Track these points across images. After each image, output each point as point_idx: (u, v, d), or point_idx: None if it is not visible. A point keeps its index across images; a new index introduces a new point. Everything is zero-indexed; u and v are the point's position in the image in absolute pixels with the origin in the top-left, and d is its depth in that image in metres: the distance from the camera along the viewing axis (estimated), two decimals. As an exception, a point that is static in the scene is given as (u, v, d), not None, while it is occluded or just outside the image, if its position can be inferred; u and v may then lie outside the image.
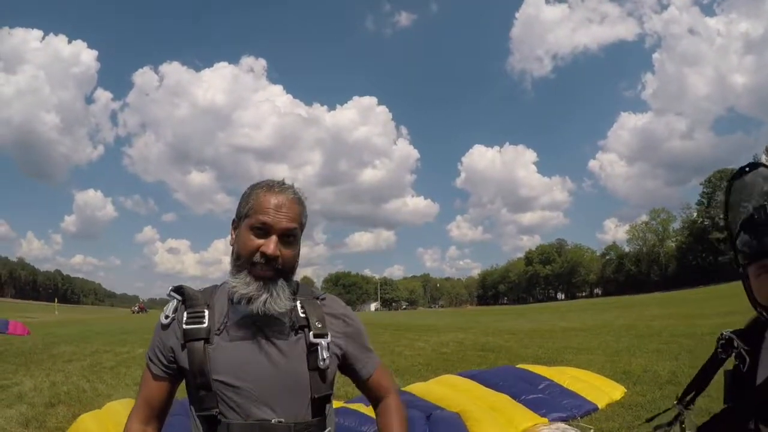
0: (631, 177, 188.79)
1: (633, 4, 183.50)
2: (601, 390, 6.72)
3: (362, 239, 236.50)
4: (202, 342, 1.57)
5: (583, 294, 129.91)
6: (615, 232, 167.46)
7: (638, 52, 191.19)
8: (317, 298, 1.75)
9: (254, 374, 1.56)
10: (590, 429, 5.44)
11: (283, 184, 1.66)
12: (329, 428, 1.68)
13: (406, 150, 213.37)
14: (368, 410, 5.29)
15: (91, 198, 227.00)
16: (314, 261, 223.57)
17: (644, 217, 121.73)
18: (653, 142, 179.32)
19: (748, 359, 1.39)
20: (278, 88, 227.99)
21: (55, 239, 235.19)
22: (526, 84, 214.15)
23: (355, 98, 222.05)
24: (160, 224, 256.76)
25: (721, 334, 1.49)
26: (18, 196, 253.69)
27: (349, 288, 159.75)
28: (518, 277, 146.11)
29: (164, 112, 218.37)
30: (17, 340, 19.46)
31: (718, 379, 1.55)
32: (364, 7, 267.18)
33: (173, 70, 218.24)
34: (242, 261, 1.58)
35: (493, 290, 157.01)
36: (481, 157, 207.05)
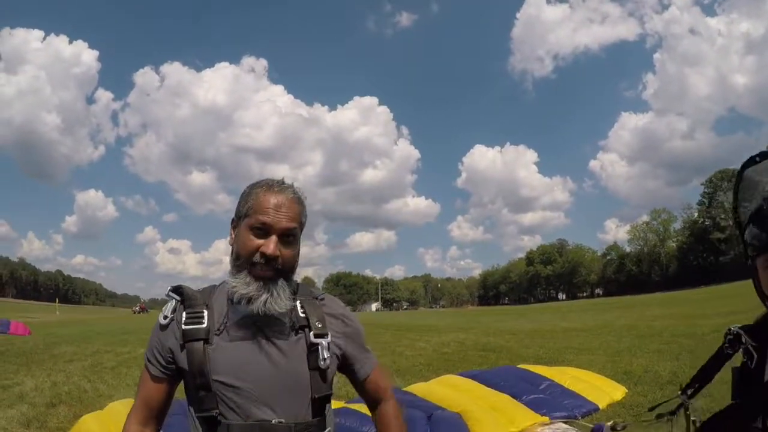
0: (632, 177, 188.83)
1: (634, 4, 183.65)
2: (602, 390, 6.71)
3: (363, 239, 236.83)
4: (202, 342, 1.56)
5: (584, 294, 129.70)
6: (616, 233, 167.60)
7: (639, 52, 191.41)
8: (316, 298, 1.75)
9: (254, 374, 1.55)
10: (590, 427, 5.43)
11: (283, 183, 1.66)
12: (329, 428, 1.67)
13: (406, 150, 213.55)
14: (369, 410, 5.29)
15: (92, 198, 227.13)
16: (315, 261, 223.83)
17: (645, 218, 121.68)
18: (654, 143, 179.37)
19: (756, 356, 1.37)
20: (279, 89, 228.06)
21: (56, 239, 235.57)
22: (527, 84, 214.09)
23: (356, 98, 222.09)
24: (161, 224, 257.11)
25: (729, 330, 1.47)
26: (19, 196, 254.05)
27: (350, 288, 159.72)
28: (519, 278, 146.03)
29: (165, 112, 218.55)
30: (18, 341, 19.48)
31: (723, 377, 1.54)
32: (365, 7, 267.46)
33: (174, 70, 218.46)
34: (242, 261, 1.58)
35: (494, 290, 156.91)
36: (482, 157, 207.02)
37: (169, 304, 1.65)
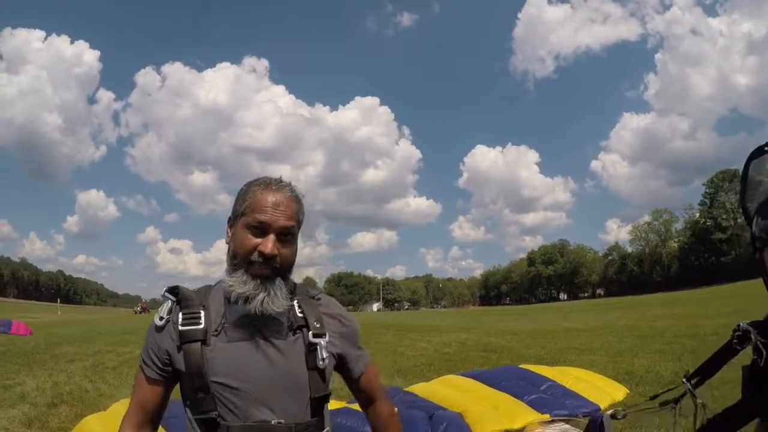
0: (634, 177, 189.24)
1: (635, 5, 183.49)
2: (604, 391, 6.70)
3: (364, 239, 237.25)
4: (199, 343, 1.54)
5: (586, 294, 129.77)
6: (617, 233, 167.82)
7: (641, 52, 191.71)
8: (313, 298, 1.74)
9: (253, 375, 1.53)
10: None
11: (281, 181, 1.65)
12: (327, 428, 1.66)
13: (408, 150, 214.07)
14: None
15: (93, 198, 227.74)
16: (316, 261, 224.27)
17: (647, 218, 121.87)
18: (656, 143, 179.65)
19: (765, 352, 1.36)
20: (280, 89, 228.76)
21: (58, 239, 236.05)
22: (528, 84, 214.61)
23: (357, 98, 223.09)
24: (162, 224, 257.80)
25: (738, 326, 1.46)
26: (20, 196, 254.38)
27: (352, 288, 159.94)
28: (521, 278, 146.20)
29: (166, 112, 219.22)
30: (20, 341, 19.49)
31: (724, 377, 1.54)
32: (366, 7, 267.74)
33: (175, 70, 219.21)
34: (239, 260, 1.56)
35: (495, 291, 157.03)
36: (484, 158, 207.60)
37: (165, 305, 1.63)
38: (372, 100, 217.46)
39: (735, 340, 1.46)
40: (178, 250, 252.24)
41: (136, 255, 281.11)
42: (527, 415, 5.49)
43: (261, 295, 1.52)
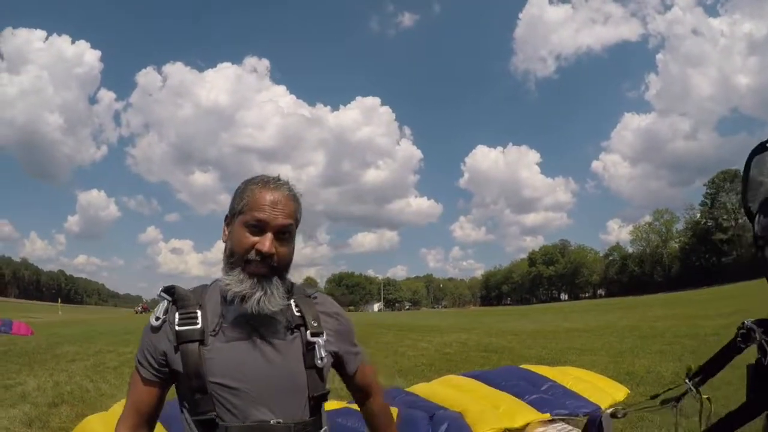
0: (635, 178, 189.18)
1: (636, 5, 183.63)
2: (604, 391, 6.69)
3: (365, 240, 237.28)
4: (197, 344, 1.53)
5: (587, 295, 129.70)
6: (618, 233, 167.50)
7: (642, 52, 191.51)
8: (309, 297, 1.73)
9: (252, 375, 1.53)
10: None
11: (279, 180, 1.64)
12: (324, 427, 1.66)
13: (409, 150, 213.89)
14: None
15: (94, 198, 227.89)
16: (317, 261, 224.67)
17: (647, 218, 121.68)
18: (656, 143, 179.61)
19: None
20: (281, 89, 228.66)
21: (59, 239, 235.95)
22: (529, 84, 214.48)
23: (358, 98, 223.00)
24: (163, 224, 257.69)
25: (743, 324, 1.46)
26: (21, 196, 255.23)
27: (353, 288, 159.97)
28: (521, 278, 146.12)
29: (167, 112, 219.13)
30: (21, 340, 19.49)
31: (725, 377, 1.53)
32: (368, 7, 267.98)
33: (176, 70, 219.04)
34: (236, 258, 1.55)
35: (496, 291, 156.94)
36: (485, 158, 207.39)
37: (161, 305, 1.62)
38: (373, 100, 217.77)
39: (739, 338, 1.45)
40: (179, 250, 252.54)
41: (137, 255, 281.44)
42: (528, 414, 5.48)
43: (258, 294, 1.52)
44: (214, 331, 1.56)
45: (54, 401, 7.98)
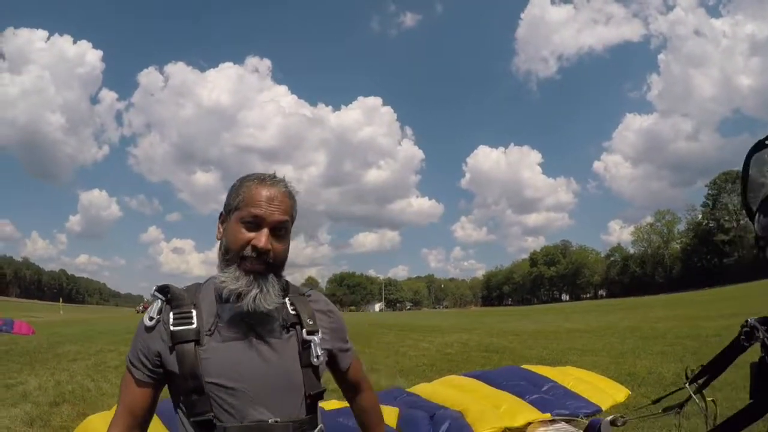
0: (636, 178, 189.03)
1: (638, 5, 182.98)
2: (605, 392, 6.69)
3: (367, 240, 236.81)
4: (193, 344, 1.51)
5: (588, 295, 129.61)
6: (620, 234, 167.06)
7: (643, 53, 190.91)
8: (303, 295, 1.73)
9: (249, 374, 1.51)
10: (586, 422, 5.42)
11: (275, 177, 1.63)
12: (320, 425, 1.65)
13: (410, 150, 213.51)
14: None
15: (95, 198, 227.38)
16: (319, 261, 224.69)
17: (649, 219, 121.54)
18: (658, 144, 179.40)
19: None
20: (283, 89, 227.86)
21: (60, 239, 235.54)
22: (531, 85, 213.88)
23: (360, 99, 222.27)
24: (164, 224, 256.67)
25: (746, 322, 1.45)
26: (23, 196, 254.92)
27: (354, 288, 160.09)
28: (523, 278, 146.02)
29: (169, 112, 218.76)
30: (22, 340, 19.49)
31: (727, 378, 1.52)
32: (369, 7, 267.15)
33: (178, 70, 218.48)
34: (232, 255, 1.54)
35: (497, 291, 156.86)
36: (486, 158, 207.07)
37: (155, 304, 1.59)
38: (374, 101, 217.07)
39: (743, 336, 1.44)
40: (181, 250, 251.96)
41: (138, 254, 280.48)
42: (529, 413, 5.49)
43: (254, 292, 1.51)
44: (209, 330, 1.54)
45: (55, 400, 7.98)
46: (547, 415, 5.52)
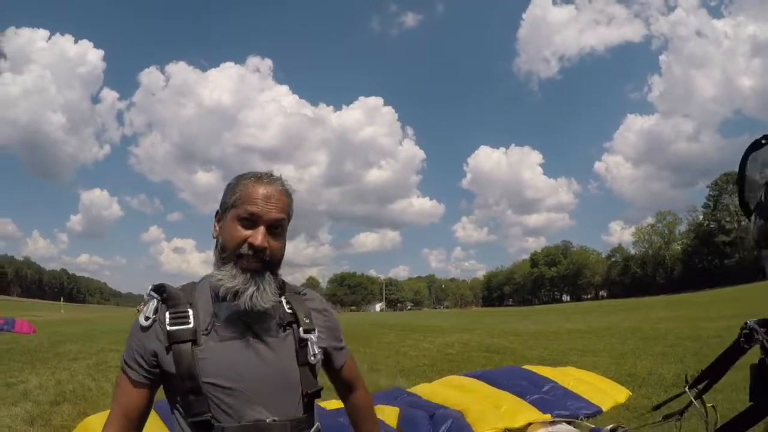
0: (637, 179, 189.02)
1: (640, 6, 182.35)
2: (606, 393, 6.69)
3: (368, 240, 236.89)
4: (190, 344, 1.50)
5: (589, 296, 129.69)
6: (620, 235, 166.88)
7: (645, 53, 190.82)
8: (298, 293, 1.73)
9: (246, 374, 1.51)
10: (592, 427, 5.42)
11: (271, 175, 1.63)
12: (317, 424, 1.65)
13: (411, 150, 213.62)
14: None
15: (97, 197, 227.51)
16: (319, 261, 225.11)
17: (650, 220, 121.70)
18: (659, 144, 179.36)
19: None
20: (284, 88, 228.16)
21: (61, 238, 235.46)
22: (532, 85, 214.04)
23: (361, 98, 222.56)
24: (165, 224, 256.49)
25: (745, 324, 1.44)
26: (24, 195, 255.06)
27: (354, 288, 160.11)
28: (523, 279, 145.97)
29: (170, 111, 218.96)
30: (23, 339, 19.50)
31: (728, 380, 1.52)
32: (370, 7, 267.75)
33: (179, 69, 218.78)
34: (228, 253, 1.54)
35: (498, 291, 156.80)
36: (487, 158, 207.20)
37: (150, 304, 1.58)
38: (376, 100, 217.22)
39: (742, 339, 1.44)
40: (182, 249, 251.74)
41: (139, 254, 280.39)
42: (529, 413, 5.49)
43: (251, 290, 1.50)
44: (206, 330, 1.54)
45: (56, 399, 7.98)
46: (548, 416, 5.52)
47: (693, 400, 1.65)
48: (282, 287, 1.67)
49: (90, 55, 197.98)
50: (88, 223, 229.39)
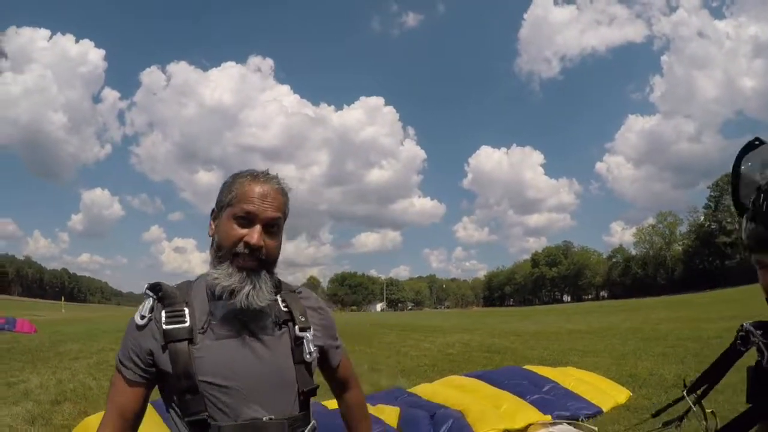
0: (638, 180, 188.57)
1: (642, 6, 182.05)
2: (606, 393, 6.69)
3: (368, 239, 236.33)
4: (186, 342, 1.50)
5: (589, 296, 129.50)
6: (621, 235, 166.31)
7: (646, 54, 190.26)
8: (294, 291, 1.73)
9: (243, 372, 1.50)
10: (594, 429, 5.42)
11: (267, 173, 1.63)
12: (313, 422, 1.65)
13: (412, 150, 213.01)
14: (374, 410, 5.30)
15: (98, 197, 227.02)
16: (320, 261, 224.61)
17: (651, 220, 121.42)
18: (661, 145, 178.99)
19: (766, 353, 1.34)
20: (285, 88, 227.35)
21: (62, 238, 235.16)
22: (533, 85, 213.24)
23: (362, 98, 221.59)
24: (166, 223, 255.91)
25: (742, 326, 1.44)
26: (25, 195, 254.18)
27: (355, 288, 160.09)
28: (524, 279, 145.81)
29: (171, 111, 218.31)
30: (24, 338, 19.52)
31: (728, 381, 1.52)
32: (371, 7, 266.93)
33: (180, 69, 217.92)
34: (224, 252, 1.54)
35: (499, 292, 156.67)
36: (488, 159, 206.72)
37: (146, 302, 1.57)
38: (377, 100, 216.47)
39: (738, 341, 1.44)
40: (183, 249, 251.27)
41: (140, 253, 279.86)
42: (529, 414, 5.49)
43: (247, 288, 1.50)
44: (202, 328, 1.53)
45: (57, 399, 8.01)
46: (548, 417, 5.52)
47: (692, 405, 1.65)
48: (278, 286, 1.66)
49: (91, 55, 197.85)
50: (89, 223, 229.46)
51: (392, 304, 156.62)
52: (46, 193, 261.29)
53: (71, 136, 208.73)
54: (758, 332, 1.37)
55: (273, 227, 1.57)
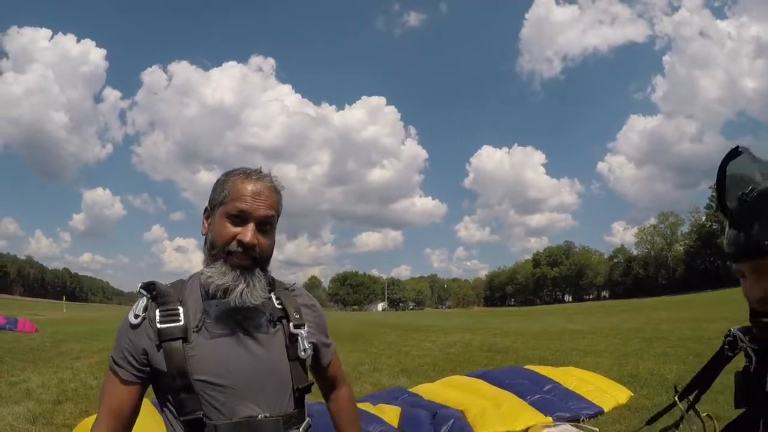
0: (640, 180, 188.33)
1: (643, 6, 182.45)
2: (607, 393, 6.68)
3: (370, 239, 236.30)
4: (180, 341, 1.49)
5: (591, 297, 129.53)
6: (623, 235, 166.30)
7: (648, 54, 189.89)
8: (287, 289, 1.73)
9: (237, 370, 1.51)
10: (595, 430, 5.42)
11: (260, 171, 1.63)
12: (308, 419, 1.65)
13: (414, 150, 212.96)
14: (375, 409, 5.31)
15: (99, 196, 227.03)
16: (322, 261, 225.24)
17: (653, 220, 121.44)
18: (662, 145, 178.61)
19: (754, 358, 1.35)
20: (287, 88, 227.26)
21: (64, 237, 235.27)
22: (535, 85, 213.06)
23: (364, 98, 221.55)
24: (168, 223, 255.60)
25: (729, 331, 1.45)
26: (26, 194, 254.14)
27: (357, 288, 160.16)
28: (526, 279, 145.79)
29: (173, 111, 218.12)
30: (25, 338, 19.52)
31: (723, 381, 1.52)
32: (374, 7, 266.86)
33: (182, 69, 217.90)
34: (217, 250, 1.53)
35: (500, 292, 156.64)
36: (490, 158, 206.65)
37: (140, 301, 1.58)
38: (378, 100, 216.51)
39: (726, 346, 1.45)
40: (184, 249, 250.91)
41: (141, 253, 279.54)
42: (529, 415, 5.49)
43: (241, 287, 1.50)
44: (197, 327, 1.53)
45: (58, 398, 8.00)
46: (549, 419, 5.52)
47: (684, 412, 1.65)
48: (271, 283, 1.67)
49: (92, 55, 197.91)
50: (91, 223, 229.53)
51: (393, 303, 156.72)
52: (47, 193, 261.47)
53: (73, 136, 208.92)
54: (746, 338, 1.38)
55: (266, 225, 1.57)
